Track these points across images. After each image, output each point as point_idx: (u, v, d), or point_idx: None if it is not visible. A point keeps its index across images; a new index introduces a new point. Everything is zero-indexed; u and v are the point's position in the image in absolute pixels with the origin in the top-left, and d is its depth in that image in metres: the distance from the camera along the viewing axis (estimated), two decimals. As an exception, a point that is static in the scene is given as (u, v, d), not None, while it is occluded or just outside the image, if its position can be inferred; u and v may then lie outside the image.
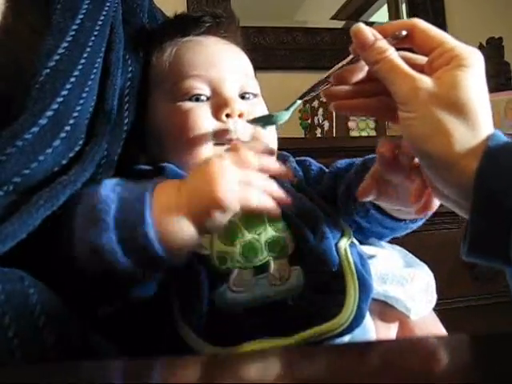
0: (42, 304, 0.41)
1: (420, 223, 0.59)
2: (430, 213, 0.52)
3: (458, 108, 0.43)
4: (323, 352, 0.35)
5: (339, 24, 1.88)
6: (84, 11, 0.52)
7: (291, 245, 0.52)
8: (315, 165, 0.66)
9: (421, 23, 0.47)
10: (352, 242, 0.55)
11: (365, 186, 0.53)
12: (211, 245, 0.51)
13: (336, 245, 0.53)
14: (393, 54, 0.46)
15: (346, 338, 0.48)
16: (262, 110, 0.62)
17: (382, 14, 1.94)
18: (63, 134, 0.47)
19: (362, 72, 0.50)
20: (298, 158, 0.66)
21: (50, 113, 0.46)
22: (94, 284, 0.44)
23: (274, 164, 0.47)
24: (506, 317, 1.32)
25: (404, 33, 0.47)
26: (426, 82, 0.44)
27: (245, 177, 0.44)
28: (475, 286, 1.34)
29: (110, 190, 0.44)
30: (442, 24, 1.89)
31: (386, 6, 1.95)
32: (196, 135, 0.56)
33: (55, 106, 0.47)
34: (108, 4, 0.56)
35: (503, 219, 0.40)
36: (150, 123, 0.61)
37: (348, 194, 0.59)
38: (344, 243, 0.53)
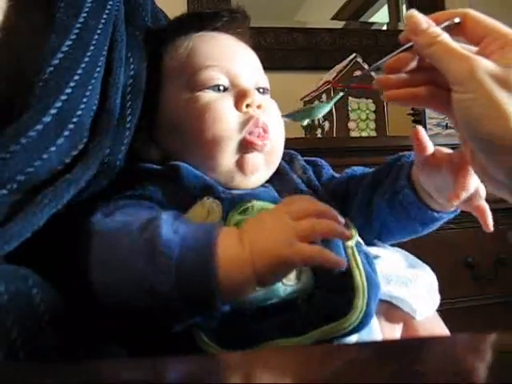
0: (45, 304, 0.41)
1: (445, 219, 0.58)
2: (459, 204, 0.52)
3: None
4: (327, 352, 0.35)
5: (339, 24, 1.88)
6: (87, 9, 0.52)
7: None
8: (328, 168, 0.66)
9: (472, 12, 0.48)
10: (358, 242, 0.55)
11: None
12: None
13: (343, 244, 0.53)
14: (446, 37, 0.46)
15: (353, 339, 0.48)
16: (274, 105, 0.62)
17: (382, 15, 1.94)
18: (67, 132, 0.47)
19: (412, 61, 0.50)
20: (308, 158, 0.66)
21: (53, 111, 0.46)
22: (135, 313, 0.44)
23: (331, 214, 0.45)
24: (506, 317, 1.32)
25: (457, 20, 0.48)
26: (484, 61, 0.44)
27: (306, 232, 0.43)
28: (475, 286, 1.34)
29: (171, 231, 0.43)
30: (442, 24, 1.89)
31: (386, 7, 1.95)
32: (220, 126, 0.56)
33: (59, 104, 0.47)
34: (111, 3, 0.56)
35: None
36: (165, 116, 0.61)
37: (376, 180, 0.59)
38: (351, 242, 0.54)
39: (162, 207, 0.53)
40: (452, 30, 0.48)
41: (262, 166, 0.59)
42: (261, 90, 0.61)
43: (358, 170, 0.65)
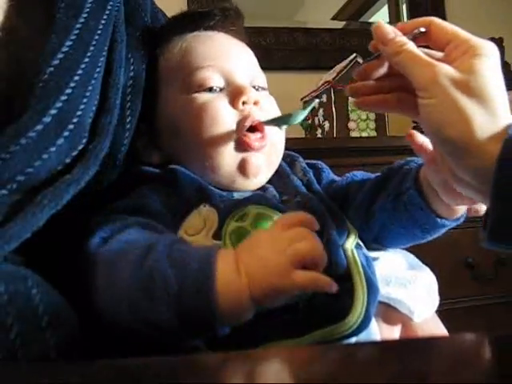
0: (44, 304, 0.41)
1: (446, 227, 0.57)
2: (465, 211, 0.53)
3: (478, 93, 0.44)
4: (327, 352, 0.35)
5: (339, 24, 1.88)
6: (87, 10, 0.52)
7: None
8: (328, 171, 0.66)
9: (437, 20, 0.49)
10: (357, 244, 0.55)
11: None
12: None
13: (342, 246, 0.53)
14: (412, 45, 0.48)
15: (352, 340, 0.48)
16: (271, 103, 0.62)
17: (382, 15, 1.94)
18: (67, 133, 0.47)
19: (382, 68, 0.52)
20: (310, 161, 0.67)
21: (53, 111, 0.46)
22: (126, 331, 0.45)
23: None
24: (506, 317, 1.32)
25: (422, 29, 0.49)
26: (445, 67, 0.46)
27: (300, 259, 0.42)
28: (475, 286, 1.34)
29: (168, 264, 0.42)
30: (442, 25, 1.89)
31: (386, 7, 1.95)
32: (218, 126, 0.56)
33: (59, 105, 0.47)
34: (111, 3, 0.56)
35: None
36: (163, 119, 0.61)
37: (383, 181, 0.59)
38: (350, 244, 0.53)
39: (159, 218, 0.52)
40: (419, 38, 0.50)
41: (263, 168, 0.59)
42: (257, 88, 0.61)
43: (359, 174, 0.65)
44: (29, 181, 0.44)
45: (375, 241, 0.60)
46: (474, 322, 1.27)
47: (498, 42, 1.76)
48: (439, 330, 0.60)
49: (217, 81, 0.59)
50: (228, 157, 0.57)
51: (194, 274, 0.41)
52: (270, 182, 0.61)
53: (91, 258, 0.47)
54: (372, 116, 1.50)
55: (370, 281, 0.50)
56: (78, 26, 0.51)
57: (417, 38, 0.50)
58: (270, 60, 1.72)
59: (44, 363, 0.39)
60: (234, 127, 0.57)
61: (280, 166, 0.63)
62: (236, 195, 0.57)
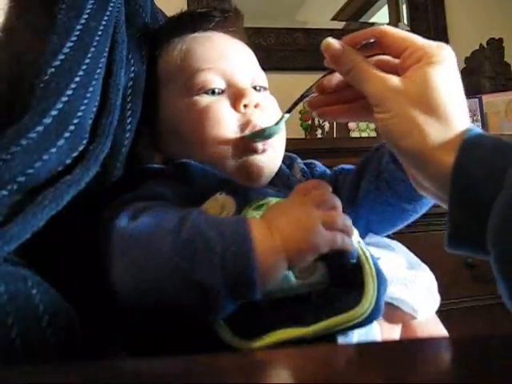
0: (44, 304, 0.41)
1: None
2: None
3: (429, 105, 0.45)
4: (327, 352, 0.35)
5: (340, 25, 1.88)
6: (88, 11, 0.52)
7: None
8: (320, 167, 0.67)
9: (389, 28, 0.49)
10: (358, 242, 0.55)
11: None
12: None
13: None
14: (361, 60, 0.49)
15: (354, 339, 0.48)
16: (272, 103, 0.62)
17: (382, 15, 1.95)
18: (67, 134, 0.47)
19: (340, 80, 0.53)
20: (304, 161, 0.67)
21: (54, 112, 0.46)
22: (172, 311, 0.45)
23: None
24: (507, 317, 1.32)
25: (372, 40, 0.50)
26: (394, 81, 0.46)
27: (329, 220, 0.46)
28: (475, 286, 1.34)
29: (207, 227, 0.44)
30: (442, 25, 1.89)
31: (386, 7, 1.95)
32: (220, 129, 0.56)
33: (60, 106, 0.47)
34: (112, 4, 0.56)
35: (479, 211, 0.42)
36: (164, 121, 0.61)
37: (361, 169, 0.61)
38: (354, 239, 0.54)
39: (174, 203, 0.52)
40: (373, 47, 0.50)
41: (265, 170, 0.59)
42: (258, 88, 0.61)
43: (346, 166, 0.66)
44: (29, 182, 0.45)
45: (367, 229, 0.61)
46: (473, 322, 1.27)
47: (498, 43, 1.76)
48: (439, 330, 0.60)
49: (218, 83, 0.59)
50: (230, 159, 0.57)
51: (232, 235, 0.43)
52: (270, 183, 0.61)
53: (119, 237, 0.47)
54: (372, 116, 1.50)
55: (379, 272, 0.50)
56: (79, 27, 0.51)
57: (372, 48, 0.50)
58: (270, 60, 1.72)
59: (44, 364, 0.39)
60: (236, 130, 0.57)
61: (279, 167, 0.63)
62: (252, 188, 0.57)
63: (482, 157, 0.42)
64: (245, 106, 0.57)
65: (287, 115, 0.56)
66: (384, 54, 0.50)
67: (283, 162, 0.64)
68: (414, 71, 0.46)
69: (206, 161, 0.57)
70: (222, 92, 0.59)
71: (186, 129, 0.58)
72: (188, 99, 0.59)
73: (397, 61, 0.49)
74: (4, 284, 0.39)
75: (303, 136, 1.59)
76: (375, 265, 0.51)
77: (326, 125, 1.50)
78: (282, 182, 0.62)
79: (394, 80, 0.46)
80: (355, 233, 0.56)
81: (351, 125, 1.48)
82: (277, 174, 0.62)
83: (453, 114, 0.45)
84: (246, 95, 0.57)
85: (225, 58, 0.60)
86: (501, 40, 1.75)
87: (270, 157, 0.59)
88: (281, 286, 0.48)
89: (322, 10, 1.93)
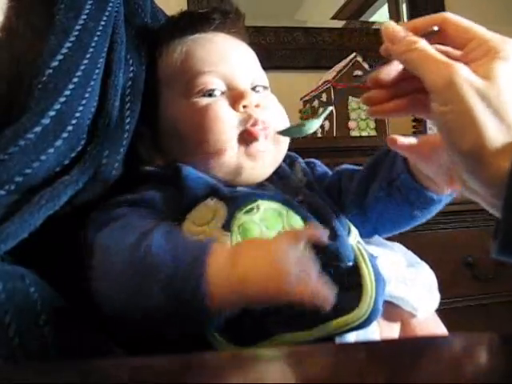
0: (42, 302, 0.41)
1: (443, 203, 0.57)
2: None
3: (496, 103, 0.41)
4: (327, 352, 0.35)
5: (339, 24, 1.88)
6: (87, 11, 0.52)
7: None
8: (320, 166, 0.66)
9: (451, 17, 0.46)
10: (358, 242, 0.55)
11: (409, 145, 0.52)
12: (232, 244, 0.51)
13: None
14: (424, 43, 0.45)
15: (352, 338, 0.48)
16: (273, 101, 0.62)
17: (382, 14, 1.94)
18: (65, 134, 0.47)
19: (395, 73, 0.49)
20: (305, 160, 0.66)
21: (52, 113, 0.46)
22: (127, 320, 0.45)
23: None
24: (506, 317, 1.32)
25: (436, 28, 0.46)
26: (464, 69, 0.42)
27: (304, 269, 0.42)
28: (476, 285, 1.34)
29: (162, 249, 0.43)
30: (442, 24, 1.89)
31: (386, 6, 1.95)
32: (220, 125, 0.56)
33: (58, 106, 0.47)
34: (110, 4, 0.56)
35: None
36: (165, 123, 0.61)
37: (371, 171, 0.59)
38: (353, 239, 0.54)
39: (158, 211, 0.53)
40: (432, 37, 0.46)
41: (269, 154, 0.58)
42: (258, 89, 0.61)
43: (349, 166, 0.65)
44: (27, 182, 0.45)
45: (374, 231, 0.61)
46: (473, 321, 1.27)
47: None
48: (438, 328, 0.60)
49: (217, 86, 0.59)
50: (233, 154, 0.57)
51: (188, 258, 0.42)
52: (269, 181, 0.61)
53: (88, 247, 0.47)
54: (372, 115, 1.50)
55: (377, 273, 0.50)
56: (78, 27, 0.51)
57: (430, 37, 0.46)
58: (269, 59, 1.72)
59: (43, 363, 0.39)
60: (236, 124, 0.57)
61: (280, 166, 0.63)
62: (240, 189, 0.57)
63: None
64: (244, 106, 0.57)
65: (330, 108, 0.54)
66: (443, 44, 0.47)
67: (284, 160, 0.64)
68: (482, 65, 0.42)
69: (205, 162, 0.57)
70: (221, 94, 0.59)
71: (187, 130, 0.59)
72: (188, 101, 0.59)
73: (458, 52, 0.45)
74: (2, 282, 0.39)
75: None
76: (373, 266, 0.51)
77: (326, 124, 1.49)
78: (282, 181, 0.62)
79: (463, 67, 0.42)
80: (355, 233, 0.56)
81: (351, 124, 1.48)
82: (277, 172, 0.62)
83: None
84: (246, 96, 0.57)
85: (225, 60, 0.60)
86: (501, 39, 1.75)
87: (274, 144, 0.59)
88: None
89: (322, 9, 1.93)
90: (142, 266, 0.43)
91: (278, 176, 0.62)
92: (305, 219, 0.54)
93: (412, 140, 0.52)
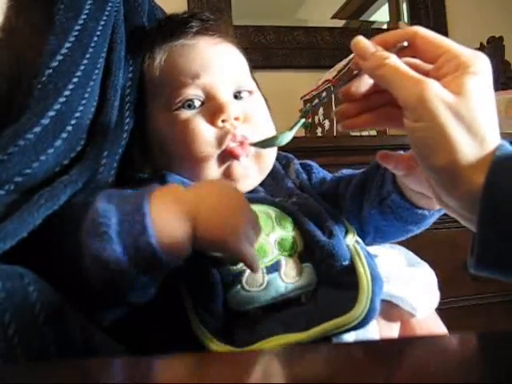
0: (41, 301, 0.41)
1: (436, 216, 0.57)
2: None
3: (468, 119, 0.41)
4: (324, 351, 0.35)
5: (340, 23, 1.88)
6: (87, 11, 0.52)
7: (300, 242, 0.52)
8: (318, 169, 0.66)
9: (422, 31, 0.45)
10: (356, 241, 0.55)
11: (399, 157, 0.51)
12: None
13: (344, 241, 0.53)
14: (395, 59, 0.45)
15: (351, 338, 0.48)
16: (258, 107, 0.62)
17: (382, 14, 1.94)
18: (65, 134, 0.47)
19: (367, 85, 0.49)
20: (301, 162, 0.66)
21: (52, 113, 0.46)
22: (98, 292, 0.44)
23: None
24: (506, 317, 1.32)
25: (405, 44, 0.46)
26: (436, 85, 0.42)
27: (254, 231, 0.46)
28: (475, 285, 1.34)
29: (106, 202, 0.44)
30: (442, 23, 1.89)
31: (386, 6, 1.94)
32: (198, 145, 0.56)
33: (57, 106, 0.47)
34: (110, 4, 0.56)
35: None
36: (151, 132, 0.61)
37: (363, 187, 0.59)
38: (350, 240, 0.54)
39: None
40: (404, 51, 0.46)
41: (252, 172, 0.59)
42: (241, 95, 0.60)
43: (347, 172, 0.65)
44: (26, 182, 0.45)
45: (374, 241, 0.61)
46: (473, 321, 1.27)
47: (499, 42, 1.76)
48: (438, 328, 0.60)
49: (197, 97, 0.58)
50: (213, 171, 0.57)
51: (130, 205, 0.43)
52: (261, 184, 0.61)
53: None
54: (372, 115, 1.50)
55: (374, 273, 0.50)
56: (77, 27, 0.51)
57: (403, 51, 0.46)
58: (270, 59, 1.72)
59: (43, 363, 0.39)
60: (214, 143, 0.56)
61: (274, 167, 0.63)
62: None
63: None
64: (223, 120, 0.57)
65: (302, 120, 0.53)
66: (414, 57, 0.47)
67: (279, 161, 0.64)
68: (452, 80, 0.42)
69: (189, 175, 0.57)
70: (202, 104, 0.58)
71: (169, 142, 0.59)
72: (169, 114, 0.58)
73: (429, 66, 0.45)
74: (1, 281, 0.39)
75: (303, 134, 1.59)
76: (370, 265, 0.51)
77: (326, 123, 1.49)
78: (275, 182, 0.61)
79: (435, 84, 0.42)
80: (352, 233, 0.56)
81: (351, 123, 1.48)
82: (271, 174, 0.62)
83: (488, 131, 0.42)
84: (224, 110, 0.56)
85: (205, 69, 0.58)
86: (501, 38, 1.75)
87: (258, 157, 0.59)
88: (268, 291, 0.48)
89: (323, 9, 1.93)
90: (91, 223, 0.43)
91: (271, 177, 0.62)
92: (297, 220, 0.54)
93: (400, 154, 0.52)
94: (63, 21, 0.50)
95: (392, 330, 0.55)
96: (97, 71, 0.52)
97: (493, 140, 0.42)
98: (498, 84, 1.72)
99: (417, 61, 0.46)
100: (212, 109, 0.57)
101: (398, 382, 0.25)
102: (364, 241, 0.58)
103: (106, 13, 0.55)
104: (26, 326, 0.39)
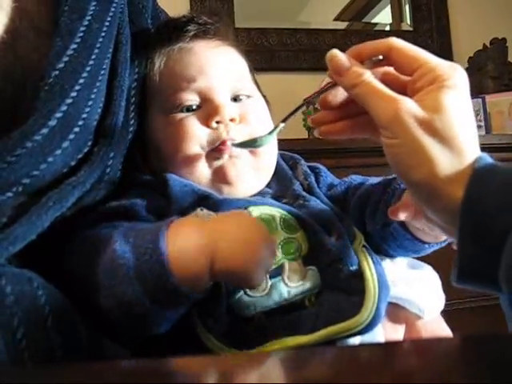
0: (50, 305, 0.41)
1: (436, 248, 0.57)
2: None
3: (443, 134, 0.41)
4: (329, 353, 0.35)
5: (342, 25, 1.88)
6: (91, 12, 0.52)
7: (305, 245, 0.52)
8: (326, 173, 0.65)
9: (397, 43, 0.45)
10: (364, 246, 0.55)
11: (400, 206, 0.51)
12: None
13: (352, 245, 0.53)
14: (370, 77, 0.45)
15: (357, 341, 0.48)
16: (256, 110, 0.61)
17: (385, 15, 1.94)
18: (72, 136, 0.47)
19: (344, 94, 0.49)
20: (310, 164, 0.66)
21: (59, 114, 0.46)
22: (116, 326, 0.45)
23: None
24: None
25: (380, 57, 0.46)
26: (408, 103, 0.42)
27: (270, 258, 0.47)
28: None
29: (124, 240, 0.44)
30: (445, 25, 1.89)
31: (389, 7, 1.95)
32: (189, 144, 0.56)
33: (64, 108, 0.47)
34: (114, 5, 0.56)
35: (492, 244, 0.39)
36: (149, 135, 0.61)
37: (365, 211, 0.58)
38: (357, 245, 0.54)
39: (146, 221, 0.52)
40: (379, 63, 0.46)
41: (248, 173, 0.58)
42: (239, 98, 0.60)
43: (357, 178, 0.64)
44: (34, 183, 0.45)
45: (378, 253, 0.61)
46: (478, 322, 1.27)
47: (502, 43, 1.75)
48: (443, 330, 0.60)
49: (194, 101, 0.58)
50: (202, 170, 0.57)
51: (147, 244, 0.43)
52: (269, 186, 0.61)
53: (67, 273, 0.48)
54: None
55: (381, 279, 0.50)
56: (82, 28, 0.51)
57: (379, 63, 0.46)
58: (273, 61, 1.72)
59: (47, 364, 0.39)
60: (204, 145, 0.57)
61: (282, 169, 0.62)
62: (233, 198, 0.56)
63: (493, 187, 0.40)
64: (218, 122, 0.57)
65: (282, 125, 0.53)
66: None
67: (286, 162, 0.63)
68: (427, 95, 0.42)
69: (182, 175, 0.57)
70: (198, 107, 0.58)
71: (163, 145, 0.59)
72: (165, 117, 0.59)
73: (406, 78, 0.45)
74: (10, 285, 0.40)
75: (306, 136, 1.59)
76: (378, 271, 0.50)
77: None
78: (283, 184, 0.61)
79: (408, 102, 0.42)
80: (360, 237, 0.56)
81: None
82: (277, 175, 0.62)
83: (465, 144, 0.42)
84: (219, 112, 0.56)
85: (202, 75, 0.58)
86: (504, 40, 1.75)
87: (256, 159, 0.58)
88: (271, 296, 0.48)
89: (325, 11, 1.93)
90: (110, 264, 0.43)
91: (277, 179, 0.62)
92: (303, 222, 0.53)
93: (405, 203, 0.51)
94: (68, 22, 0.51)
95: (397, 333, 0.55)
96: (103, 72, 0.52)
97: (471, 152, 0.42)
98: (501, 85, 1.72)
99: (395, 72, 0.47)
100: (207, 111, 0.57)
101: (404, 383, 0.25)
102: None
103: (111, 13, 0.55)
104: (34, 330, 0.39)
